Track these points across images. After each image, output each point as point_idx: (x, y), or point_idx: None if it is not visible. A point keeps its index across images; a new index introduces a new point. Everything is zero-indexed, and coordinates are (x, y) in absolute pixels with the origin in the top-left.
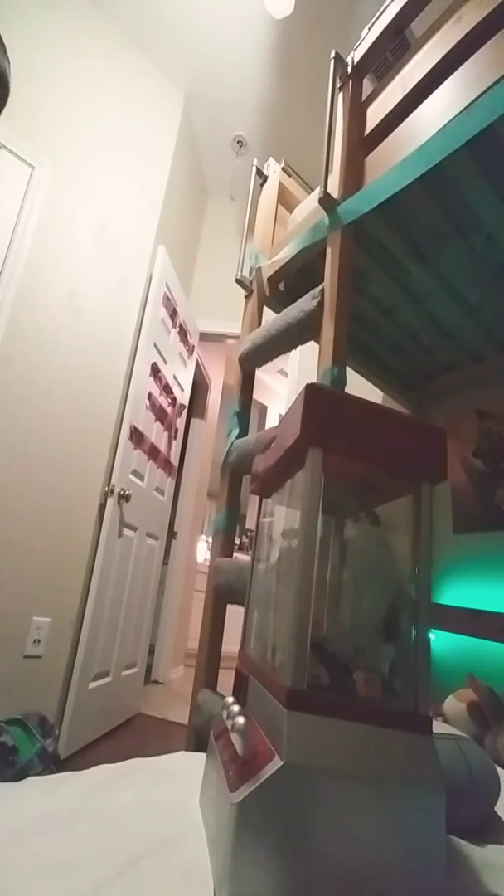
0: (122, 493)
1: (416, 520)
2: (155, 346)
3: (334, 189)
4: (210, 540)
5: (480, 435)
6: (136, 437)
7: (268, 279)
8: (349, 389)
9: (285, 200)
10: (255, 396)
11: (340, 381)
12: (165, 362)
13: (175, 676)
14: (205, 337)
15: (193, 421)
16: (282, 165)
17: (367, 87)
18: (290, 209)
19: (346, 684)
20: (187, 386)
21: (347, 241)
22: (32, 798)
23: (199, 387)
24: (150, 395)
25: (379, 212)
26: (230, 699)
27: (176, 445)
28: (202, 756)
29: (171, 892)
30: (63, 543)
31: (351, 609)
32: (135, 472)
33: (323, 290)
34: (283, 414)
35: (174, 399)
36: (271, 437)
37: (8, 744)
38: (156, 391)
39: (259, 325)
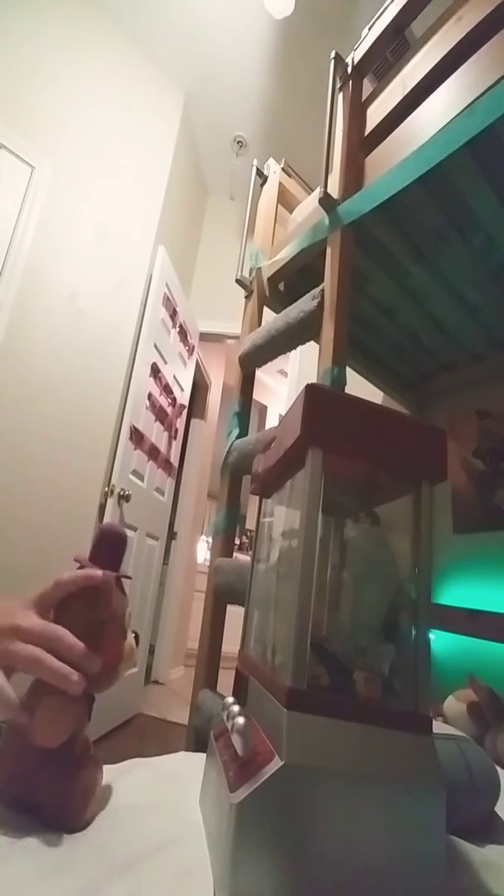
0: (122, 493)
1: (416, 520)
2: (155, 346)
3: (334, 189)
4: (210, 540)
5: (480, 435)
6: (136, 437)
7: (268, 279)
8: (349, 389)
9: (285, 200)
10: (255, 396)
11: (340, 381)
12: (165, 362)
13: (175, 676)
14: (205, 337)
15: (193, 421)
16: (282, 165)
17: (367, 87)
18: (291, 209)
19: (346, 684)
20: (187, 386)
21: (347, 242)
22: None
23: (199, 387)
24: (150, 396)
25: (379, 212)
26: (230, 699)
27: (176, 445)
28: (202, 756)
29: (171, 893)
30: (63, 543)
31: (351, 609)
32: (135, 472)
33: (323, 290)
34: (283, 414)
35: (174, 399)
36: (271, 437)
37: None
38: (156, 391)
39: (259, 325)
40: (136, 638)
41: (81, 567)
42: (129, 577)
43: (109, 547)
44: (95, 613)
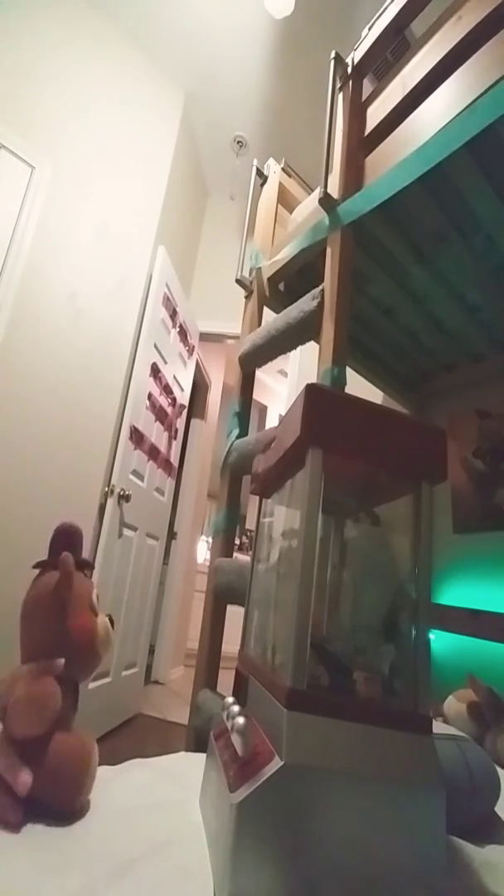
0: (122, 493)
1: (416, 520)
2: (155, 346)
3: (334, 189)
4: (210, 540)
5: (480, 435)
6: (136, 437)
7: (268, 279)
8: (349, 389)
9: (285, 200)
10: (255, 396)
11: (340, 381)
12: (165, 362)
13: (175, 676)
14: (205, 337)
15: (193, 421)
16: (282, 165)
17: (367, 87)
18: (291, 209)
19: (346, 684)
20: (187, 386)
21: (347, 242)
22: None
23: (199, 387)
24: (150, 396)
25: (379, 212)
26: (230, 699)
27: (176, 445)
28: (202, 756)
29: (171, 892)
30: None
31: (351, 609)
32: (135, 473)
33: (323, 290)
34: (283, 414)
35: (174, 399)
36: (271, 437)
37: None
38: (156, 391)
39: (259, 325)
40: (111, 621)
41: (42, 570)
42: (90, 565)
43: (63, 542)
44: (57, 596)
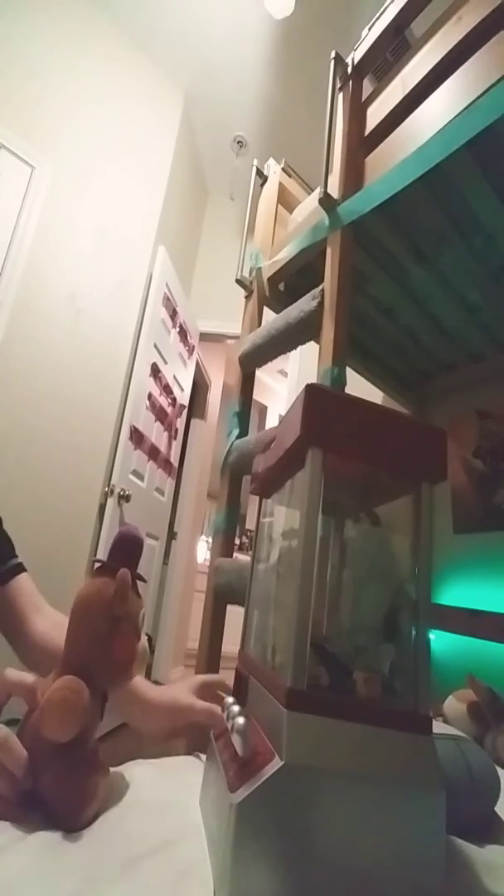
0: (122, 493)
1: (416, 520)
2: (155, 346)
3: (334, 189)
4: (210, 540)
5: (480, 435)
6: (136, 437)
7: (268, 279)
8: (349, 389)
9: (285, 201)
10: (255, 396)
11: (340, 381)
12: (165, 362)
13: (175, 676)
14: (205, 337)
15: (193, 421)
16: (282, 165)
17: (367, 87)
18: (291, 209)
19: (345, 684)
20: (187, 386)
21: (347, 242)
22: None
23: (199, 387)
24: (150, 396)
25: (379, 212)
26: (230, 699)
27: (176, 445)
28: (202, 756)
29: (171, 892)
30: (63, 543)
31: (351, 609)
32: (135, 473)
33: (323, 290)
34: (283, 414)
35: (174, 399)
36: (271, 437)
37: None
38: (156, 391)
39: (259, 325)
40: (150, 641)
41: (101, 566)
42: (143, 580)
43: (126, 549)
44: (110, 610)
